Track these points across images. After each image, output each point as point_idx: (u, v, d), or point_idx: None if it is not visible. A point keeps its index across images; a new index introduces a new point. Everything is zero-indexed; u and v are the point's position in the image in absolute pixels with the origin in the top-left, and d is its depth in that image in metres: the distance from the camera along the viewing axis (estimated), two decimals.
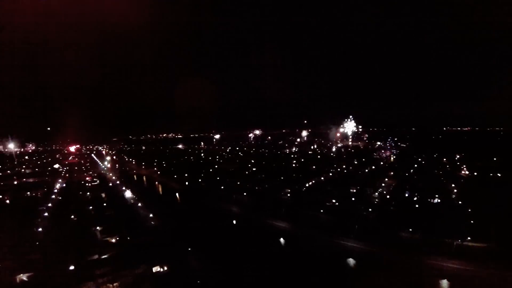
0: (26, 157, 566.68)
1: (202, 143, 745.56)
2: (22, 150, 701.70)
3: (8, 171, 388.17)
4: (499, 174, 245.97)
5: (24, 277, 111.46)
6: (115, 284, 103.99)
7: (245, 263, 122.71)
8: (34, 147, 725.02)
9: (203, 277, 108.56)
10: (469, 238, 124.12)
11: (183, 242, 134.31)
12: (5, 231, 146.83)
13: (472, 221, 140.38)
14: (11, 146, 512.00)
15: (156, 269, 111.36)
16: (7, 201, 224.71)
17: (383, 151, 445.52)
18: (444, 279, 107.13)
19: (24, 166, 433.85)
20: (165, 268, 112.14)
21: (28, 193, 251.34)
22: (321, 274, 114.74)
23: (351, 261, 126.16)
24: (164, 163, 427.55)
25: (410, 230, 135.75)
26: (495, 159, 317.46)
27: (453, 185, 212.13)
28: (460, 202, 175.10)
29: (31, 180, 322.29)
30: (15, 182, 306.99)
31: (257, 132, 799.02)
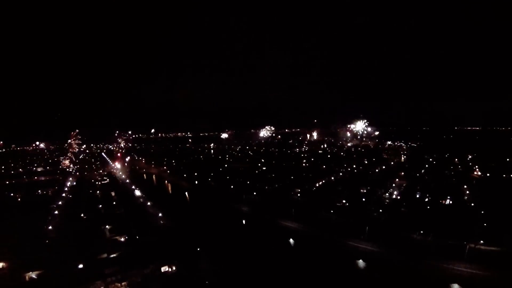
0: (39, 156, 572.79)
1: (212, 142, 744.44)
2: (33, 147, 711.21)
3: (20, 169, 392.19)
4: None
5: (33, 275, 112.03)
6: (123, 283, 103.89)
7: (254, 263, 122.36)
8: (45, 146, 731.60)
9: (212, 277, 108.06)
10: (482, 241, 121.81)
11: (192, 242, 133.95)
12: (16, 229, 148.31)
13: (485, 224, 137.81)
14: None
15: (164, 269, 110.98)
16: (19, 199, 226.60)
17: (393, 150, 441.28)
18: (455, 283, 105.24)
19: (35, 164, 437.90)
20: (174, 268, 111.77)
21: (39, 191, 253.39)
22: (330, 276, 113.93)
23: (360, 263, 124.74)
24: (173, 162, 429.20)
25: (422, 232, 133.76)
26: (508, 159, 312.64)
27: (465, 186, 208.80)
28: (472, 204, 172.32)
29: (42, 178, 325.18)
30: (27, 180, 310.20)
31: (267, 131, 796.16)
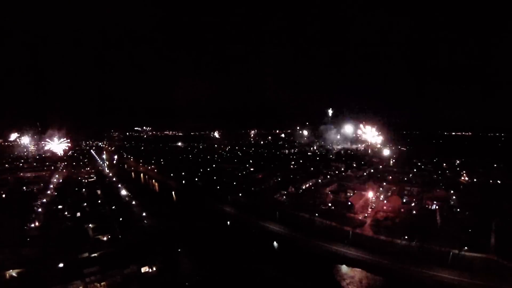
0: (26, 151, 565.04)
1: (202, 142, 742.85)
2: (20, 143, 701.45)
3: (7, 165, 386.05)
4: (499, 181, 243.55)
5: (13, 273, 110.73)
6: (103, 283, 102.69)
7: (236, 265, 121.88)
8: (33, 141, 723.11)
9: (192, 278, 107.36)
10: (466, 247, 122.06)
11: (174, 242, 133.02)
12: None
13: (470, 230, 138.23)
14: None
15: (145, 269, 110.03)
16: (3, 196, 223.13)
17: (382, 154, 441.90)
18: None
19: (22, 161, 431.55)
20: (154, 269, 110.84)
21: (25, 188, 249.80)
22: (311, 280, 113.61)
23: (344, 267, 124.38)
24: (162, 161, 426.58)
25: (406, 237, 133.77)
26: (495, 165, 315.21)
27: (452, 192, 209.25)
28: (458, 210, 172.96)
29: (28, 175, 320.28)
30: (13, 177, 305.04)
31: (257, 131, 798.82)
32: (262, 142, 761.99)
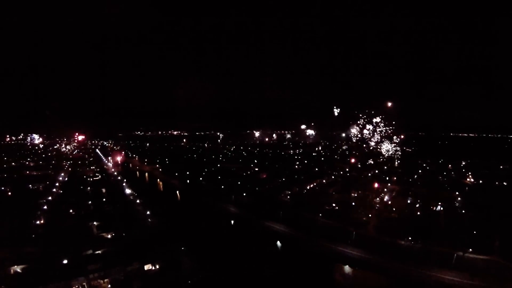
0: (32, 150, 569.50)
1: (207, 142, 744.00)
2: (27, 142, 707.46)
3: (13, 163, 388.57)
4: (505, 183, 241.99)
5: (18, 269, 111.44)
6: (106, 280, 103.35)
7: (238, 264, 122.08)
8: (40, 140, 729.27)
9: (194, 277, 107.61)
10: (470, 249, 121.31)
11: (178, 241, 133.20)
12: (4, 223, 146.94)
13: (474, 232, 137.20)
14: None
15: (148, 267, 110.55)
16: (9, 193, 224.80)
17: (388, 154, 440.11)
18: None
19: (28, 159, 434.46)
20: (157, 267, 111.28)
21: (30, 185, 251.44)
22: (313, 281, 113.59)
23: (347, 268, 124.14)
24: (167, 160, 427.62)
25: (410, 238, 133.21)
26: (501, 166, 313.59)
27: (457, 193, 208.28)
28: (463, 211, 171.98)
29: (34, 173, 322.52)
30: (19, 175, 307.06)
31: (262, 131, 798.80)
32: (267, 139, 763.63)
